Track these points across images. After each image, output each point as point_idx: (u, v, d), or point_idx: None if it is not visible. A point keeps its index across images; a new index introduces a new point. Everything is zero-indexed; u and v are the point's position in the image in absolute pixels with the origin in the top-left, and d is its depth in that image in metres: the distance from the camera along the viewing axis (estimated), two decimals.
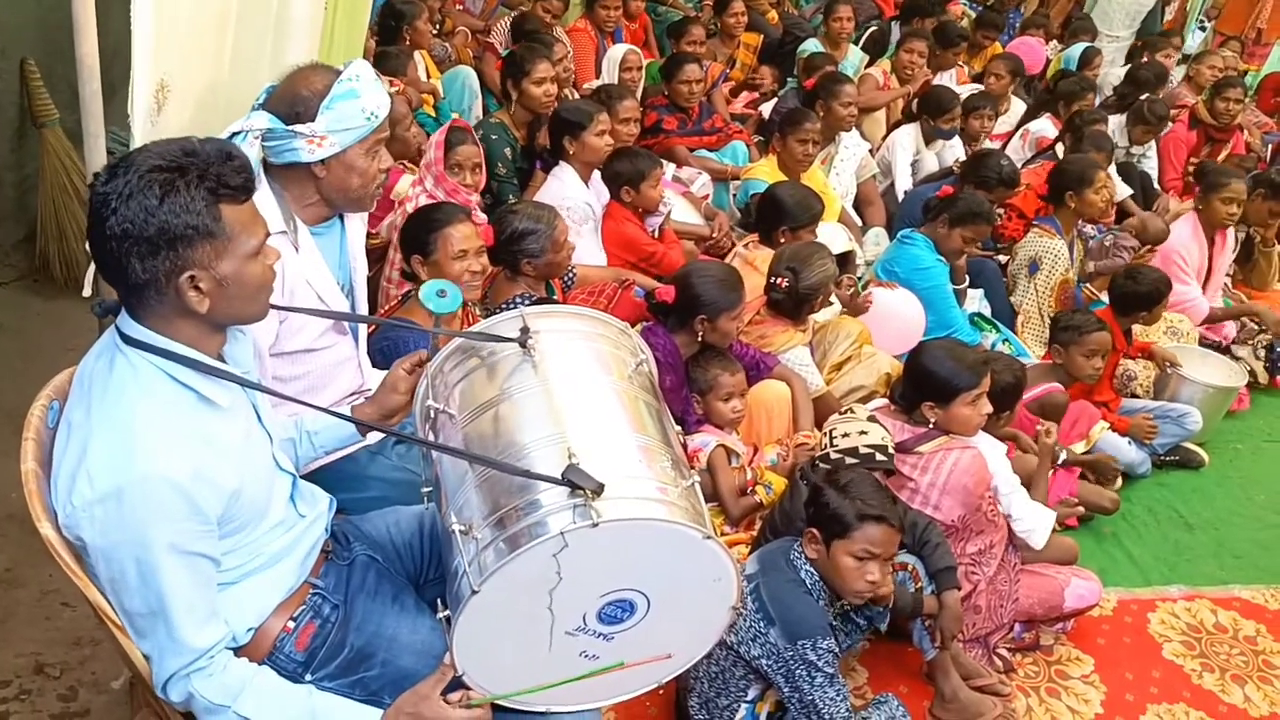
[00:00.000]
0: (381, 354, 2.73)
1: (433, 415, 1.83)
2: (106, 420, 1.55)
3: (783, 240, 3.87)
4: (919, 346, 3.03)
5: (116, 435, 1.52)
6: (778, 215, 3.92)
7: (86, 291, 2.18)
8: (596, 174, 4.11)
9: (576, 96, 5.32)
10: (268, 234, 1.63)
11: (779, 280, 3.47)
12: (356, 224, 2.38)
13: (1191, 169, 6.32)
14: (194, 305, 1.55)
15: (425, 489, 1.92)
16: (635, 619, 1.70)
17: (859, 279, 4.22)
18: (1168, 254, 4.80)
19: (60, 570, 1.62)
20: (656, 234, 4.19)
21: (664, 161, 4.43)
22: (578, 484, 1.54)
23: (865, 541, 2.31)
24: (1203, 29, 9.48)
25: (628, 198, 4.01)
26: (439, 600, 1.70)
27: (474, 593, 1.56)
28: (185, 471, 1.52)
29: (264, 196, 2.10)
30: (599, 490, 1.54)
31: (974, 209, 4.15)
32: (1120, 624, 3.19)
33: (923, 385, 2.91)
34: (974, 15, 8.04)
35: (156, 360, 1.57)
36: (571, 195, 3.96)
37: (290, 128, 2.06)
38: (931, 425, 2.90)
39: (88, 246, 2.11)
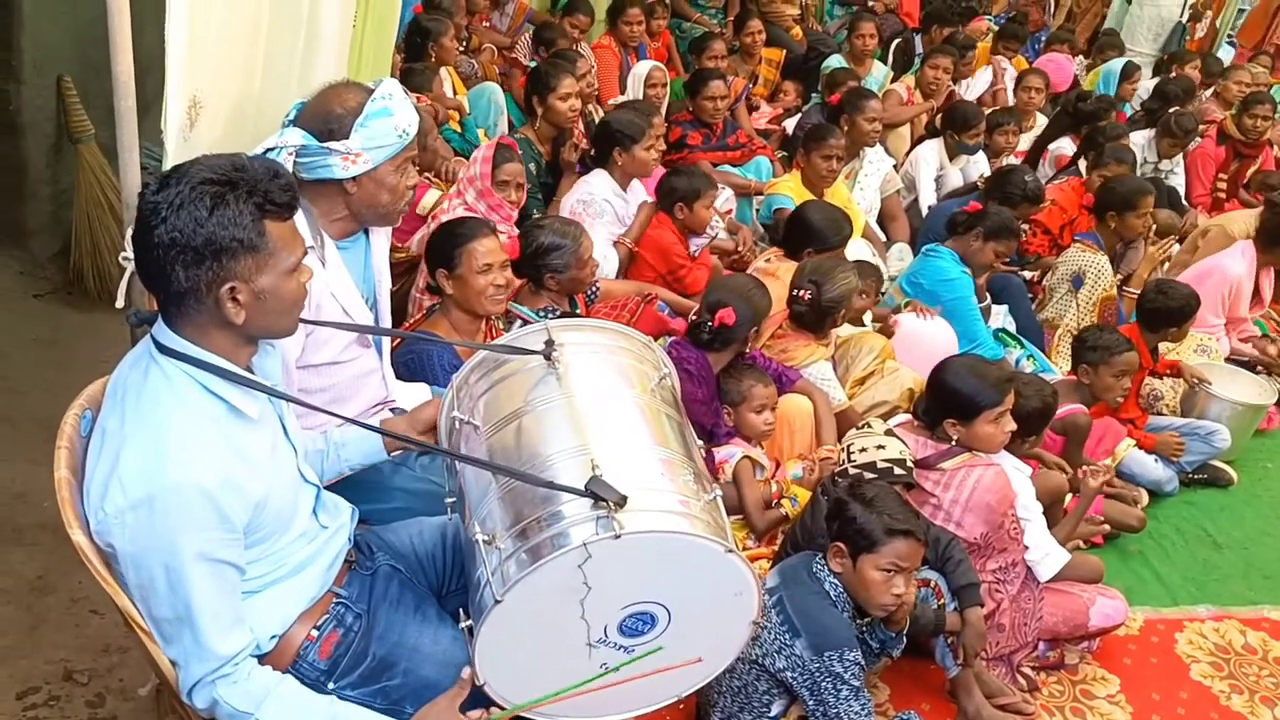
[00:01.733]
0: (406, 367, 2.76)
1: (457, 426, 1.85)
2: (140, 429, 1.58)
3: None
4: (942, 363, 3.00)
5: (149, 443, 1.56)
6: (806, 236, 3.91)
7: (119, 303, 2.21)
8: (635, 183, 4.17)
9: (600, 112, 5.36)
10: (305, 251, 1.67)
11: (801, 293, 3.48)
12: (380, 238, 2.41)
13: (1222, 184, 6.28)
14: (231, 316, 1.58)
15: (449, 499, 1.94)
16: (656, 632, 1.70)
17: (883, 295, 4.20)
18: (1220, 283, 4.71)
19: (90, 578, 1.65)
20: (695, 253, 4.21)
21: (717, 186, 4.44)
22: (601, 495, 1.56)
23: (893, 555, 2.32)
24: (1231, 44, 9.40)
25: (680, 215, 4.06)
26: (461, 610, 1.71)
27: (497, 603, 1.58)
28: (215, 480, 1.55)
29: None
30: (622, 502, 1.56)
31: (1007, 224, 4.18)
32: (1147, 644, 3.15)
33: (946, 402, 2.89)
34: (997, 30, 8.02)
35: (190, 370, 1.60)
36: (596, 190, 4.01)
37: (325, 145, 2.09)
38: (954, 442, 2.89)
39: (121, 258, 2.17)
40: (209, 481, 1.54)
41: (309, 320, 1.99)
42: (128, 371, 1.67)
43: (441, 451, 1.91)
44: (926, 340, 3.93)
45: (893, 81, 6.64)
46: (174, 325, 1.62)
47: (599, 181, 4.08)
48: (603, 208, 4.00)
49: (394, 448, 2.07)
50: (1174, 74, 7.45)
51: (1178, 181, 6.22)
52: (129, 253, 2.15)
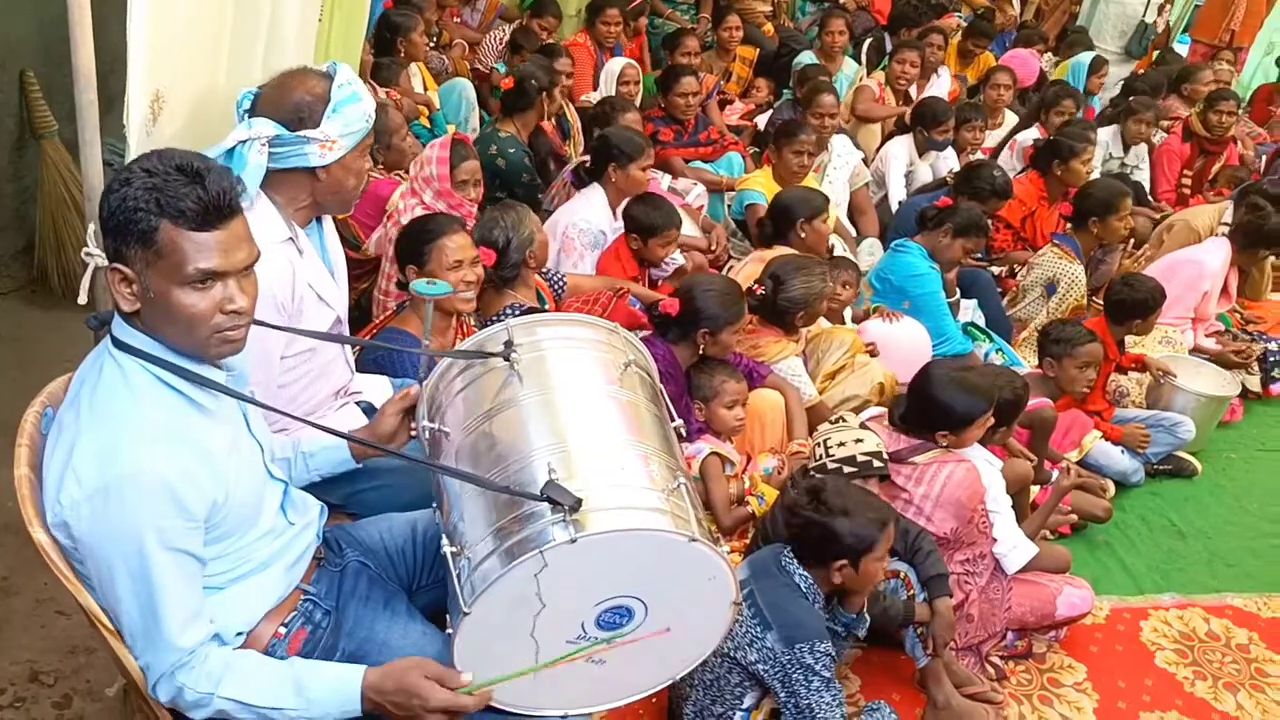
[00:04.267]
0: (375, 362, 2.76)
1: (429, 435, 1.87)
2: (95, 421, 1.57)
3: (803, 235, 3.95)
4: (926, 378, 2.94)
5: (104, 435, 1.55)
6: (787, 213, 3.98)
7: (82, 299, 2.19)
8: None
9: (572, 110, 5.37)
10: (223, 274, 1.57)
11: (757, 287, 3.49)
12: (329, 221, 2.42)
13: (1187, 180, 6.36)
14: (121, 300, 1.57)
15: (434, 506, 1.95)
16: (635, 623, 1.71)
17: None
18: (1197, 277, 4.72)
19: (55, 578, 1.63)
20: (658, 283, 4.17)
21: (681, 222, 4.24)
22: (556, 500, 1.56)
23: (888, 543, 2.39)
24: (1184, 40, 9.51)
25: (634, 245, 3.92)
26: (442, 613, 1.72)
27: (465, 614, 1.60)
28: (171, 469, 1.54)
29: (263, 206, 2.14)
30: (576, 505, 1.56)
31: (976, 220, 4.22)
32: (1113, 632, 3.19)
33: (935, 415, 2.87)
34: (965, 26, 8.07)
35: (145, 364, 1.59)
36: (593, 219, 3.99)
37: (300, 133, 2.09)
38: (943, 447, 2.89)
39: (84, 254, 2.15)
40: (165, 471, 1.53)
41: (276, 326, 1.98)
42: (86, 368, 1.66)
43: (409, 458, 1.91)
44: (900, 343, 3.95)
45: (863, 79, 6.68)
46: (129, 318, 1.60)
47: (597, 203, 4.04)
48: (597, 239, 3.98)
49: (362, 455, 2.06)
50: (1142, 73, 7.53)
51: (1143, 177, 6.31)
52: (92, 248, 2.14)
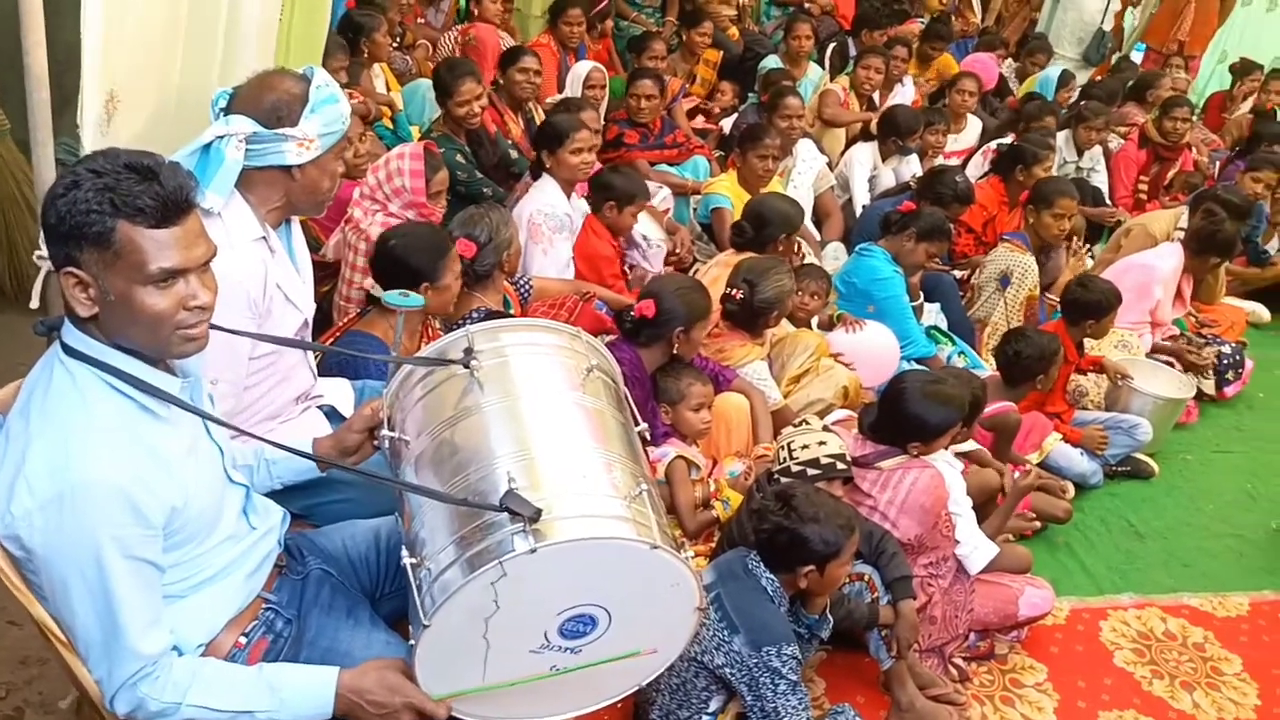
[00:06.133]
0: (337, 365, 2.73)
1: (389, 444, 1.85)
2: (45, 428, 1.53)
3: (780, 249, 3.96)
4: (900, 392, 2.92)
5: (56, 442, 1.51)
6: (765, 227, 3.98)
7: (34, 304, 2.14)
8: (576, 197, 4.16)
9: (539, 112, 5.34)
10: (184, 270, 1.55)
11: (734, 292, 3.50)
12: (297, 225, 2.41)
13: (1143, 186, 6.47)
14: (78, 305, 1.53)
15: (396, 515, 1.93)
16: (599, 631, 1.71)
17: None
18: (1149, 283, 4.79)
19: (6, 590, 1.59)
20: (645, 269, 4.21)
21: (650, 199, 4.37)
22: (515, 510, 1.55)
23: (854, 548, 2.41)
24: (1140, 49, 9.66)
25: (609, 214, 4.02)
26: (406, 620, 1.70)
27: (425, 627, 1.58)
28: (126, 476, 1.51)
29: (237, 204, 2.12)
30: (536, 516, 1.55)
31: (940, 225, 4.24)
32: (1073, 632, 3.23)
33: (908, 428, 2.88)
34: (922, 29, 8.13)
35: (95, 370, 1.56)
36: (553, 203, 4.01)
37: (278, 131, 2.09)
38: (914, 454, 2.90)
39: (36, 257, 2.10)
40: (120, 478, 1.50)
41: (231, 330, 1.94)
42: (36, 374, 1.62)
43: (364, 474, 1.88)
44: (868, 349, 3.96)
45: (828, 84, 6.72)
46: (82, 324, 1.57)
47: (550, 190, 4.05)
48: (563, 221, 3.99)
49: (327, 465, 2.04)
50: (1098, 79, 7.64)
51: (1100, 180, 6.40)
52: (44, 251, 2.09)
